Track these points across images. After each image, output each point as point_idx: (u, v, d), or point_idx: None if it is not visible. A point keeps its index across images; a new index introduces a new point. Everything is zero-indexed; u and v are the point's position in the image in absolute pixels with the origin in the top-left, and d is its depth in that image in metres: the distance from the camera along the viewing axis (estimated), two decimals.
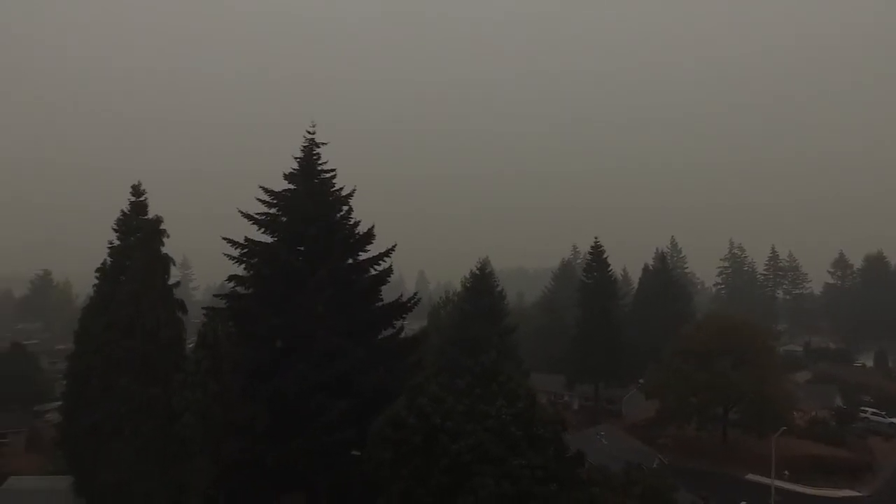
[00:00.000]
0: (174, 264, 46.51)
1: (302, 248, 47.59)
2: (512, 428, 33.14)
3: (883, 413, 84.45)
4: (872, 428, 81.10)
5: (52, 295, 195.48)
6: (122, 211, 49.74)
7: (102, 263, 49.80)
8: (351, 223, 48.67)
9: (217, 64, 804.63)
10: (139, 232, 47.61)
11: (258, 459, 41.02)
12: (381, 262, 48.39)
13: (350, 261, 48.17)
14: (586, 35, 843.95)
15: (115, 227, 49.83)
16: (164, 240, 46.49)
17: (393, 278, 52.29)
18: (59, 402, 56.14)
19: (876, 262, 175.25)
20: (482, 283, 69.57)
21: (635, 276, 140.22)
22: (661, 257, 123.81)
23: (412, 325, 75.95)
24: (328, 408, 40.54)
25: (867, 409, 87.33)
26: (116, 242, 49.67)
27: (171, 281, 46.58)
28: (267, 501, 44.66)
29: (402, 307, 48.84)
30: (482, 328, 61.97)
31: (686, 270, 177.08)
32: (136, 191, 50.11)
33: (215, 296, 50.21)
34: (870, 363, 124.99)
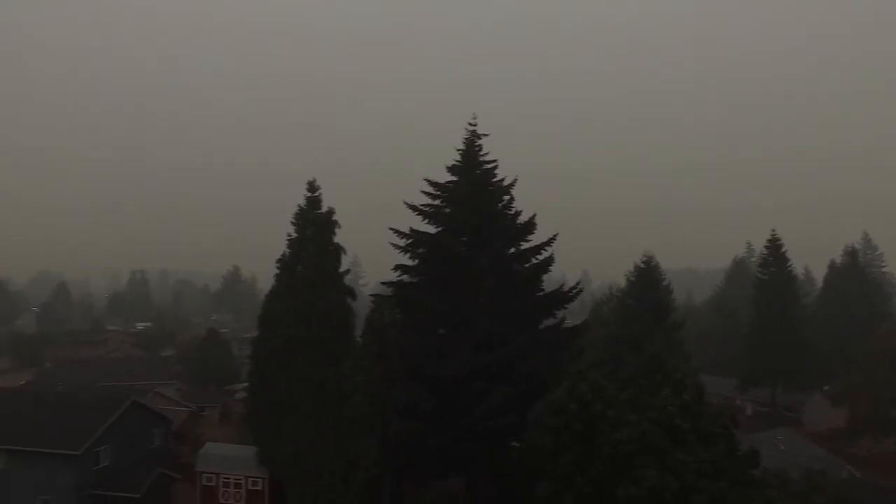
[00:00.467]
0: (344, 253, 49.30)
1: (465, 238, 48.68)
2: (677, 420, 31.56)
3: None
4: None
5: (241, 289, 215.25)
6: (299, 205, 53.37)
7: (282, 255, 53.71)
8: (512, 213, 49.10)
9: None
10: (314, 225, 50.94)
11: (422, 442, 42.40)
12: (542, 251, 48.29)
13: (512, 250, 48.58)
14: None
15: (292, 220, 53.50)
16: (336, 230, 49.63)
17: (555, 277, 52.16)
18: (246, 383, 61.63)
19: None
20: (647, 276, 67.03)
21: (820, 275, 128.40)
22: (851, 253, 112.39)
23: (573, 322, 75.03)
24: (490, 393, 41.08)
25: None
26: (294, 235, 53.43)
27: (342, 269, 49.49)
28: (430, 483, 46.09)
29: (563, 296, 48.40)
30: (646, 323, 59.78)
31: (883, 269, 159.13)
32: (312, 187, 53.51)
33: (382, 283, 52.56)
34: None
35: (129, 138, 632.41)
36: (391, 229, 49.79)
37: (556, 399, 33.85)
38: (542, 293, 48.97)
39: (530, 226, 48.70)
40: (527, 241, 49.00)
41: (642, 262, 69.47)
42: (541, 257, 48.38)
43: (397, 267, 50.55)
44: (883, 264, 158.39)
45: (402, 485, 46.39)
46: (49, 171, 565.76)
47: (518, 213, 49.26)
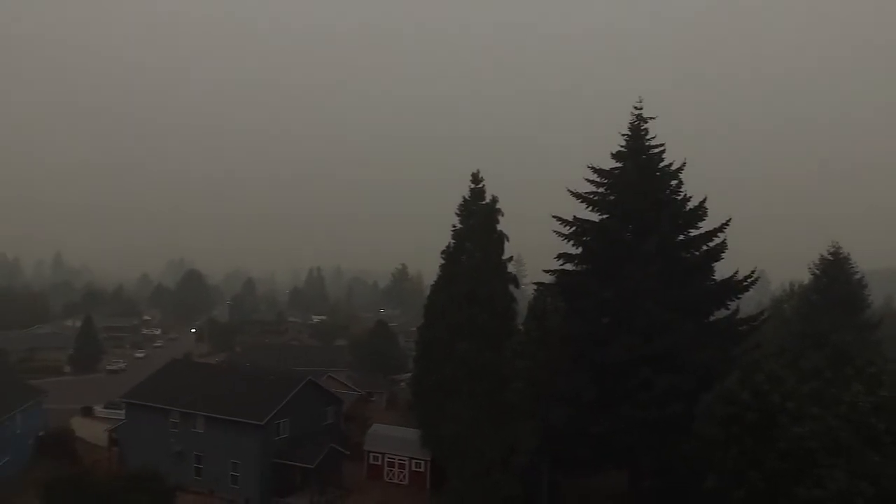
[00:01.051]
0: (507, 240, 49.52)
1: (631, 225, 47.19)
2: (872, 418, 28.45)
3: None
4: None
5: (408, 286, 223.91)
6: (463, 197, 54.33)
7: (447, 246, 55.04)
8: (680, 198, 46.79)
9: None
10: (478, 215, 51.63)
11: (582, 430, 41.59)
12: (713, 238, 45.56)
13: (681, 237, 46.37)
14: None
15: (457, 212, 54.61)
16: (499, 219, 49.96)
17: (728, 275, 49.10)
18: (411, 374, 63.90)
19: None
20: (834, 269, 60.90)
21: None
22: None
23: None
24: (654, 382, 39.46)
25: None
26: (458, 226, 54.52)
27: (505, 257, 49.72)
28: (590, 473, 45.05)
29: (736, 286, 45.36)
30: (834, 319, 54.39)
31: None
32: (475, 178, 54.24)
33: (544, 271, 52.24)
34: None
35: (299, 153, 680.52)
36: (554, 217, 49.40)
37: (728, 388, 31.78)
38: (712, 282, 46.26)
39: (700, 211, 46.13)
40: (696, 227, 46.50)
41: (829, 254, 63.31)
42: (712, 244, 45.71)
43: (560, 255, 49.99)
44: None
45: (561, 475, 45.72)
46: (239, 185, 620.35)
47: (687, 199, 46.83)
